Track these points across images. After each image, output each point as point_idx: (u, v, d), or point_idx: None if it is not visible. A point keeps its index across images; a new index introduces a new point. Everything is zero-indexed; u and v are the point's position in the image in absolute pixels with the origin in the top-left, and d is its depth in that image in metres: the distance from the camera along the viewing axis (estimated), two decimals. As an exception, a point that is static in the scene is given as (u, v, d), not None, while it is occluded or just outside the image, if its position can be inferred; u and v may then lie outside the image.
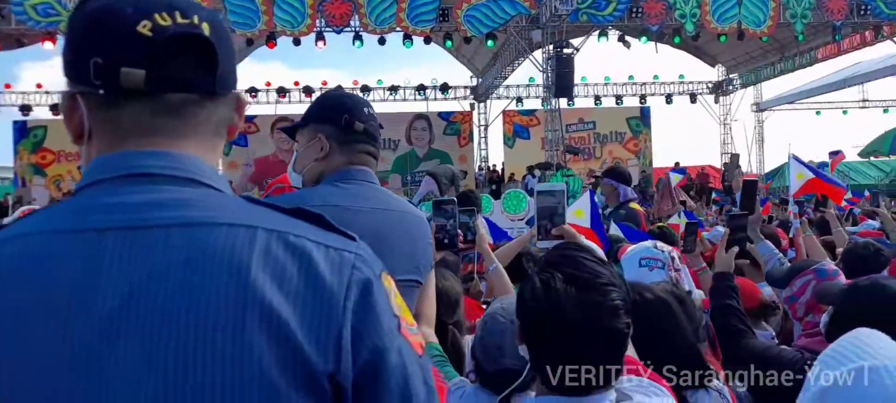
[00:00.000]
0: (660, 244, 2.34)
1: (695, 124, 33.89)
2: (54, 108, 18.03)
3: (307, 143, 1.58)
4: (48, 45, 13.71)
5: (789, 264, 2.70)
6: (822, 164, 14.93)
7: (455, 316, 1.99)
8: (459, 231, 2.12)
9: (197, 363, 0.63)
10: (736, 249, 2.26)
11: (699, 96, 22.07)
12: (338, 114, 1.55)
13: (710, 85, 22.40)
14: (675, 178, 8.61)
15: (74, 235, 0.66)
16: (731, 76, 22.01)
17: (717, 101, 22.39)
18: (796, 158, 4.75)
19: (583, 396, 1.10)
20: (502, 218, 7.85)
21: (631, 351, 1.26)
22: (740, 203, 2.87)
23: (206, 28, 0.72)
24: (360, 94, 19.47)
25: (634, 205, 4.74)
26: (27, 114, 17.98)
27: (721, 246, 2.26)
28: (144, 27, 0.69)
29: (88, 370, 0.62)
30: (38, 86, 18.83)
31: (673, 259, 2.25)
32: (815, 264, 2.26)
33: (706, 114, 22.34)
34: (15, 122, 17.93)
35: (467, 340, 1.96)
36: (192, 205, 0.69)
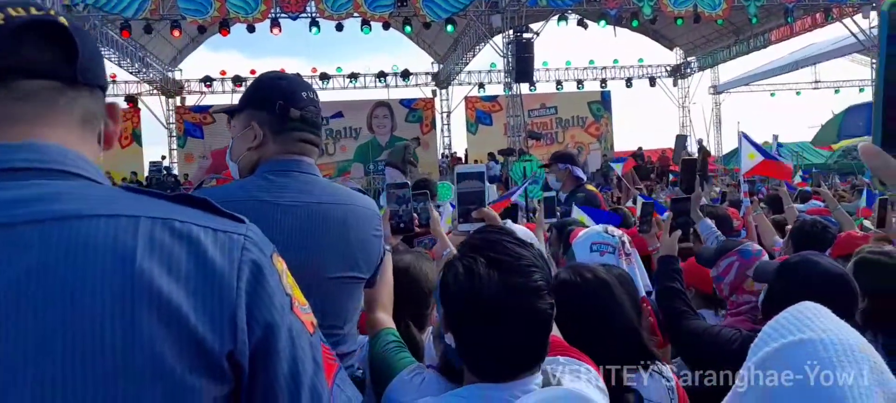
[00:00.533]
0: (610, 228, 2.32)
1: (655, 107, 34.42)
2: None
3: (242, 131, 1.49)
4: None
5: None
6: (778, 145, 15.31)
7: (421, 308, 1.88)
8: (415, 214, 2.08)
9: (86, 355, 0.62)
10: (679, 232, 2.28)
11: (658, 79, 22.38)
12: (272, 100, 1.45)
13: (668, 68, 22.73)
14: (617, 168, 8.68)
15: None
16: (689, 59, 22.36)
17: (675, 85, 22.75)
18: (746, 137, 4.78)
19: (510, 381, 1.07)
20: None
21: (556, 332, 1.22)
22: (680, 181, 2.89)
23: (63, 20, 0.73)
24: (314, 81, 19.31)
25: (590, 187, 4.72)
26: None
27: (665, 229, 2.26)
28: None
29: None
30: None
31: (624, 243, 2.23)
32: (739, 245, 2.28)
33: (665, 97, 22.72)
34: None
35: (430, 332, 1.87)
36: (66, 198, 0.67)
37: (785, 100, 27.29)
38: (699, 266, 2.41)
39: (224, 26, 13.46)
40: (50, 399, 0.61)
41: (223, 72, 19.43)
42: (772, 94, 24.25)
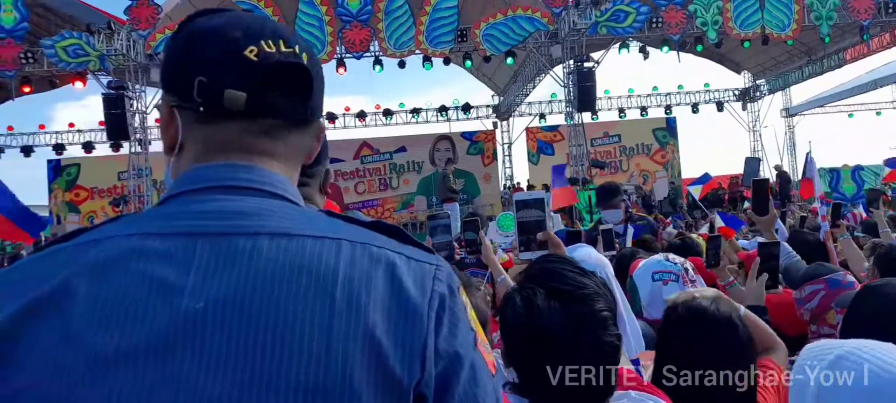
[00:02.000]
0: (671, 256, 2.27)
1: (723, 132, 33.32)
2: (87, 147, 18.54)
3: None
4: (79, 85, 14.12)
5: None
6: (858, 167, 14.52)
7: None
8: (457, 245, 2.12)
9: (282, 365, 0.63)
10: (765, 277, 2.15)
11: (726, 104, 21.72)
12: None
13: (736, 92, 22.05)
14: (695, 191, 8.43)
15: (165, 238, 0.68)
16: (758, 82, 21.64)
17: (744, 108, 22.01)
18: (810, 159, 4.60)
19: None
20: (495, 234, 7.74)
21: (625, 363, 1.18)
22: (753, 204, 2.79)
23: (305, 58, 0.77)
24: (378, 117, 19.64)
25: (636, 210, 4.70)
26: (61, 154, 18.50)
27: (751, 275, 2.15)
28: (251, 53, 0.73)
29: (165, 360, 0.63)
30: (71, 125, 19.40)
31: (686, 270, 2.18)
32: (830, 273, 2.16)
33: (734, 121, 21.99)
34: (49, 161, 18.46)
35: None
36: (279, 217, 0.72)
37: (864, 121, 25.96)
38: (787, 305, 2.30)
39: (292, 68, 13.99)
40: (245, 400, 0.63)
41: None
42: (850, 115, 23.11)
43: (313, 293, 0.66)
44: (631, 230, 3.86)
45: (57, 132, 19.24)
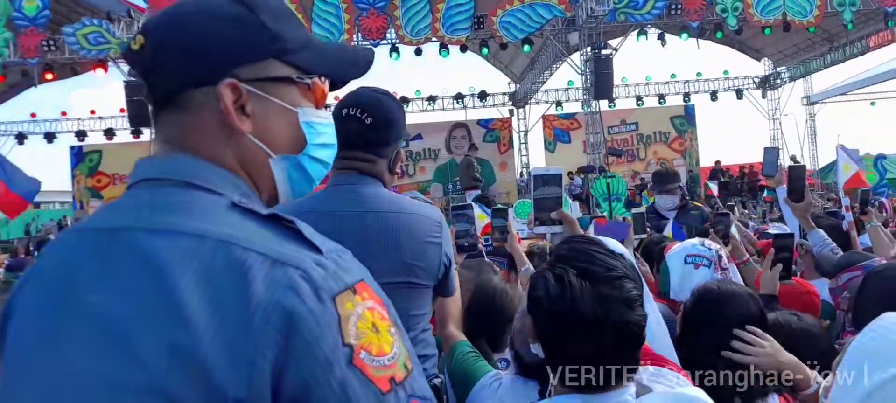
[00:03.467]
0: (707, 241, 2.28)
1: (743, 121, 32.88)
2: (108, 133, 18.78)
3: None
4: (100, 72, 14.29)
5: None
6: (880, 156, 14.30)
7: (498, 333, 1.91)
8: (497, 232, 2.15)
9: (91, 360, 0.63)
10: (779, 267, 2.17)
11: (746, 92, 21.45)
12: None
13: (756, 80, 21.76)
14: (714, 186, 8.39)
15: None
16: (778, 69, 21.33)
17: (764, 96, 21.73)
18: (844, 149, 4.56)
19: (602, 393, 1.07)
20: (515, 223, 7.75)
21: (649, 342, 1.22)
22: (788, 191, 2.75)
23: (138, 42, 0.79)
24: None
25: (698, 203, 4.67)
26: (83, 140, 18.76)
27: (766, 265, 2.17)
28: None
29: None
30: (92, 112, 19.65)
31: (720, 257, 2.19)
32: (866, 259, 2.16)
33: (754, 109, 21.73)
34: (72, 148, 18.74)
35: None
36: (159, 211, 0.71)
37: (887, 109, 25.50)
38: (798, 291, 2.32)
39: (310, 55, 14.06)
40: None
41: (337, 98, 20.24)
42: (872, 104, 22.71)
43: (146, 294, 0.64)
44: (696, 219, 3.86)
45: (79, 119, 19.51)
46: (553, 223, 1.59)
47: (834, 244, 2.71)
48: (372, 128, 1.51)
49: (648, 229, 3.68)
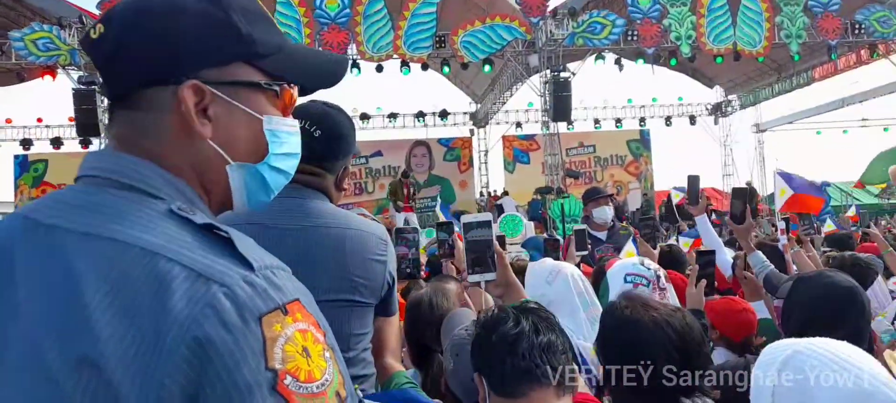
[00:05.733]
0: (647, 261, 2.31)
1: (695, 146, 33.95)
2: (55, 142, 18.14)
3: None
4: (48, 78, 13.81)
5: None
6: (824, 183, 14.88)
7: None
8: (439, 249, 2.12)
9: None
10: (704, 283, 2.24)
11: (698, 118, 22.12)
12: None
13: (708, 106, 22.47)
14: (676, 196, 8.59)
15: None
16: (729, 97, 22.08)
17: (716, 123, 22.44)
18: (781, 174, 4.75)
19: None
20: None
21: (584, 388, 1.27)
22: (730, 211, 2.85)
23: (98, 30, 0.76)
24: (354, 120, 19.89)
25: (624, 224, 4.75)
26: (28, 149, 18.06)
27: (690, 281, 2.22)
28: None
29: None
30: (39, 120, 18.95)
31: (659, 278, 2.22)
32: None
33: (706, 135, 22.40)
34: (16, 157, 18.01)
35: None
36: (93, 213, 0.68)
37: (832, 139, 26.63)
38: (735, 308, 2.37)
39: (269, 69, 13.92)
40: None
41: (267, 113, 20.01)
42: (818, 132, 23.67)
43: (56, 301, 0.62)
44: (630, 244, 3.91)
45: (24, 127, 18.79)
46: (485, 270, 1.54)
47: (772, 266, 2.79)
48: (320, 140, 1.48)
49: (588, 245, 3.73)
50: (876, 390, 0.79)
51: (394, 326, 1.61)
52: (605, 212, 4.48)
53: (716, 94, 22.42)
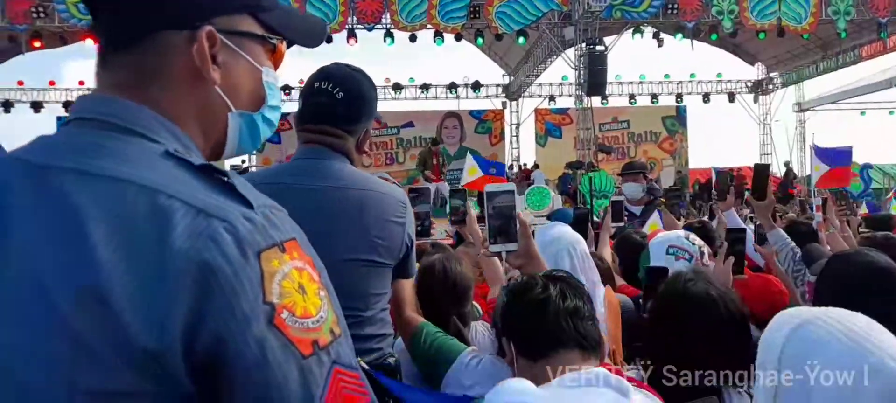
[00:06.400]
0: (692, 236, 2.30)
1: (734, 124, 33.09)
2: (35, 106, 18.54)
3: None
4: (89, 42, 14.11)
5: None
6: (866, 166, 14.44)
7: (464, 306, 1.94)
8: (452, 216, 2.15)
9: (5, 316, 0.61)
10: (732, 260, 2.19)
11: (738, 95, 21.55)
12: (302, 93, 1.57)
13: (749, 84, 21.86)
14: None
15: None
16: (771, 75, 21.44)
17: (756, 101, 21.83)
18: (816, 149, 4.64)
19: None
20: (526, 213, 7.77)
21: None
22: (752, 187, 2.79)
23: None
24: (386, 91, 19.57)
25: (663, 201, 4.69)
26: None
27: (719, 259, 2.19)
28: None
29: None
30: (81, 82, 19.35)
31: (703, 254, 2.21)
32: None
33: (745, 114, 21.83)
34: (59, 118, 18.50)
35: (475, 326, 1.92)
36: (86, 152, 0.68)
37: (877, 120, 25.72)
38: (767, 288, 2.34)
39: (303, 37, 13.99)
40: None
41: (301, 81, 20.13)
42: (862, 113, 22.89)
43: (55, 236, 0.62)
44: (656, 215, 3.87)
45: (67, 89, 19.26)
46: (508, 240, 1.51)
47: (793, 243, 2.74)
48: (343, 103, 1.50)
49: (625, 218, 3.72)
50: (883, 365, 0.78)
51: (412, 286, 1.65)
52: (633, 189, 4.45)
53: (757, 71, 21.78)
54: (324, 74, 1.54)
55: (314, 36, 0.91)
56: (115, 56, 0.75)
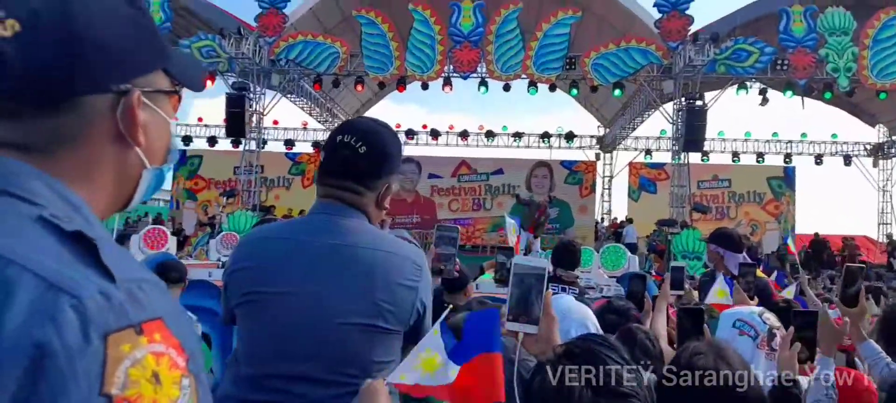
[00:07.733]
0: (767, 314, 2.12)
1: (848, 189, 30.70)
2: (210, 141, 19.96)
3: None
4: (208, 83, 15.28)
5: None
6: None
7: None
8: (497, 274, 2.08)
9: None
10: (798, 346, 1.94)
11: (855, 158, 20.07)
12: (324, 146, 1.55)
13: (868, 146, 20.33)
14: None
15: None
16: (894, 138, 19.84)
17: (875, 165, 20.23)
18: None
19: None
20: (599, 273, 7.49)
21: None
22: (842, 293, 2.45)
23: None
24: (479, 138, 19.64)
25: (760, 274, 4.37)
26: (188, 144, 20.03)
27: (783, 344, 1.96)
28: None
29: None
30: (199, 119, 20.99)
31: (773, 336, 2.04)
32: None
33: (862, 178, 20.26)
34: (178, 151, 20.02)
35: None
36: None
37: None
38: (855, 388, 2.09)
39: (401, 83, 14.52)
40: None
41: (398, 125, 20.78)
42: None
43: None
44: (720, 278, 3.65)
45: (187, 125, 20.87)
46: (529, 321, 1.33)
47: (889, 359, 2.34)
48: (365, 157, 1.45)
49: (686, 286, 3.50)
50: None
51: None
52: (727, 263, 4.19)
53: (878, 134, 20.23)
54: (348, 128, 1.50)
55: (201, 80, 0.90)
56: (28, 114, 0.69)
